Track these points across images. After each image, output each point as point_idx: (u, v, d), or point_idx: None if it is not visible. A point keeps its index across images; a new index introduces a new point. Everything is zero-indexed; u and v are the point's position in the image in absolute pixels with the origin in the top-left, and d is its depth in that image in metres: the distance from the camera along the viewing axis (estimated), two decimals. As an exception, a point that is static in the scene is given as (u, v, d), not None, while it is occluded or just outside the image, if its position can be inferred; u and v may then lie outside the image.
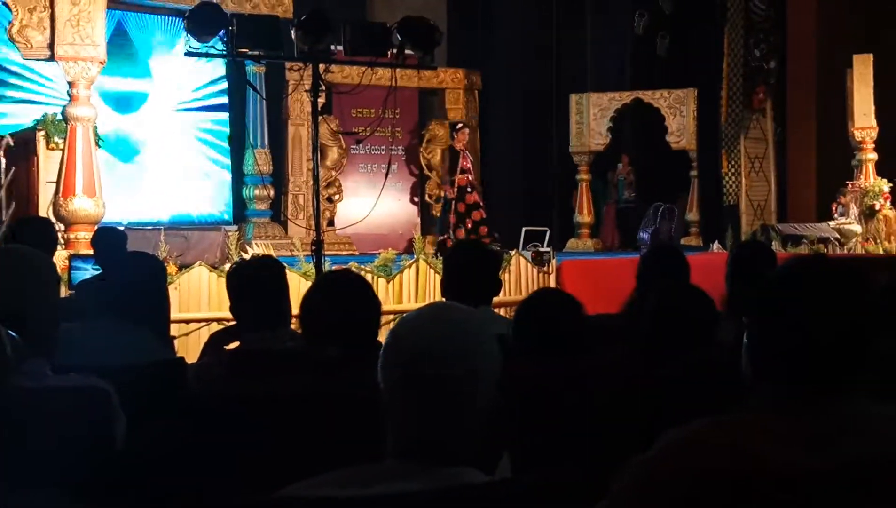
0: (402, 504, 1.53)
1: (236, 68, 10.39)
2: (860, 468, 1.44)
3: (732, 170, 13.92)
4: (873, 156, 13.14)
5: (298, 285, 6.21)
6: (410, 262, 8.83)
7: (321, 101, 7.15)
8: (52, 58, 8.90)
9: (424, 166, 13.86)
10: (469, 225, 12.21)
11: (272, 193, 12.37)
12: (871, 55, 13.07)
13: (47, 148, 9.03)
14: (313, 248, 6.81)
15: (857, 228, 12.76)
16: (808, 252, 11.55)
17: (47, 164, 9.02)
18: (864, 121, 13.11)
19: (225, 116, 12.26)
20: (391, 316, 6.96)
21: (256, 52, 6.69)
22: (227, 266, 6.75)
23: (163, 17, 11.57)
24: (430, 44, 6.79)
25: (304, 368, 2.72)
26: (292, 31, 6.49)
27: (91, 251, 6.69)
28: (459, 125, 12.94)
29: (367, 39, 6.72)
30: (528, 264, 9.74)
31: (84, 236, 8.40)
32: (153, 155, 11.65)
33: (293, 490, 1.59)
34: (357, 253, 11.71)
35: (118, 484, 2.27)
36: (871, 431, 1.49)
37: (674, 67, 14.04)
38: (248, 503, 1.63)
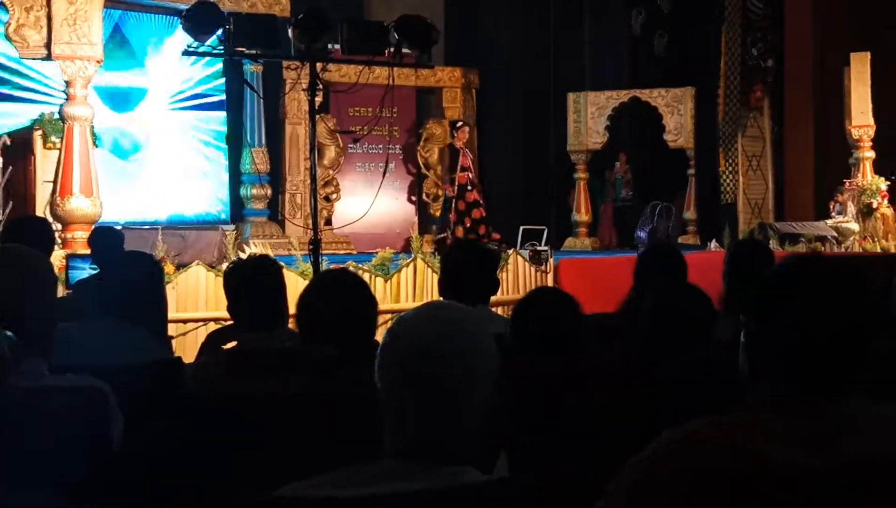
0: (401, 503, 1.53)
1: (234, 67, 10.36)
2: (860, 468, 1.44)
3: (730, 168, 13.92)
4: (870, 154, 13.15)
5: (296, 285, 6.21)
6: (408, 261, 8.83)
7: (318, 100, 7.13)
8: (48, 57, 8.89)
9: (422, 165, 13.86)
10: (468, 223, 12.21)
11: (269, 192, 12.37)
12: (868, 53, 13.08)
13: (44, 147, 9.02)
14: (311, 247, 6.80)
15: (855, 226, 12.77)
16: (805, 251, 11.56)
17: (44, 163, 9.00)
18: (862, 119, 13.12)
19: (222, 115, 12.25)
20: (389, 315, 6.96)
21: (254, 51, 6.68)
22: (225, 266, 6.74)
23: (160, 15, 11.56)
24: (427, 42, 6.78)
25: (301, 367, 2.72)
26: (289, 30, 6.47)
27: (88, 251, 6.68)
28: (460, 123, 12.95)
29: (364, 38, 6.71)
30: (526, 263, 9.75)
31: (81, 235, 8.39)
32: (150, 154, 11.65)
33: (291, 490, 1.59)
34: (355, 252, 11.71)
35: (115, 484, 2.27)
36: (870, 431, 1.49)
37: (671, 66, 14.05)
38: (247, 503, 1.63)
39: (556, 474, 1.66)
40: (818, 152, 14.04)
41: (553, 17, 14.64)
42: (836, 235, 12.70)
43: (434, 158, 13.79)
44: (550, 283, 9.70)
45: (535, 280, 9.64)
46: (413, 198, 13.91)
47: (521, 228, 12.29)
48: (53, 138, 8.92)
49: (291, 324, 3.22)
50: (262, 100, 11.80)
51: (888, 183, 12.94)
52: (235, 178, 12.31)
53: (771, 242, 11.52)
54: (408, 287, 8.69)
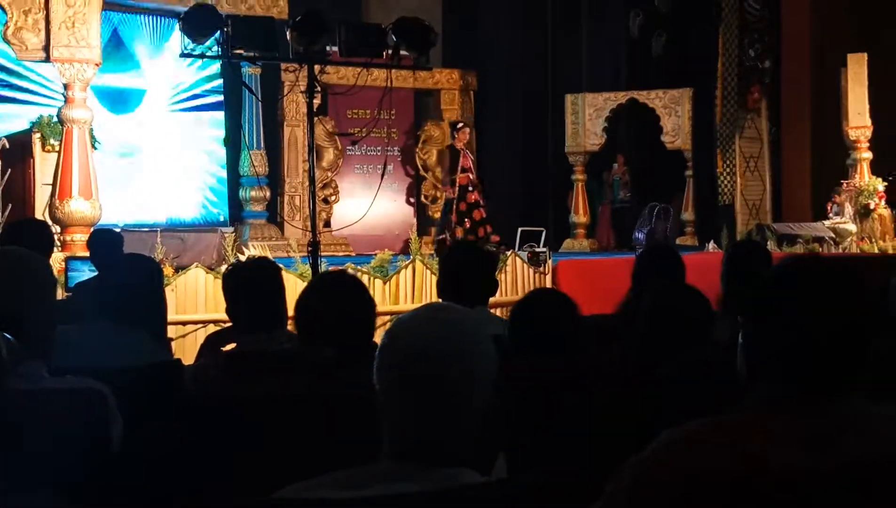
0: (400, 505, 1.53)
1: (232, 70, 10.37)
2: (859, 468, 1.44)
3: (727, 170, 13.93)
4: (868, 155, 13.14)
5: (295, 287, 6.21)
6: (407, 263, 8.83)
7: (317, 102, 7.15)
8: (47, 60, 8.89)
9: (420, 167, 13.86)
10: (468, 224, 12.22)
11: (268, 194, 12.37)
12: (865, 54, 13.08)
13: (43, 150, 9.03)
14: (310, 249, 6.81)
15: (852, 227, 12.76)
16: (803, 251, 11.57)
17: (43, 166, 9.01)
18: (859, 120, 13.12)
19: (221, 117, 12.25)
20: (387, 317, 6.96)
21: (252, 54, 6.69)
22: (224, 268, 6.74)
23: (158, 18, 11.56)
24: (425, 45, 6.79)
25: (299, 369, 2.72)
26: (287, 33, 6.48)
27: (87, 253, 6.68)
28: (460, 124, 12.95)
29: (362, 40, 6.72)
30: (525, 265, 9.75)
31: (80, 237, 8.39)
32: (149, 157, 11.65)
33: (290, 492, 1.59)
34: (353, 254, 11.70)
35: (115, 486, 2.28)
36: (870, 431, 1.49)
37: (669, 68, 14.04)
38: (246, 504, 1.63)
39: (555, 475, 1.66)
40: (815, 153, 14.04)
41: (551, 19, 14.65)
42: (833, 236, 12.69)
43: (432, 160, 13.80)
44: (549, 284, 9.71)
45: (534, 282, 9.65)
46: (412, 200, 13.91)
47: (520, 229, 12.29)
48: (52, 141, 8.93)
49: (290, 326, 3.22)
50: (260, 102, 11.80)
51: (885, 184, 12.94)
52: (234, 180, 12.30)
53: (769, 243, 11.51)
54: (406, 289, 8.70)
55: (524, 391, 2.62)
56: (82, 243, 8.05)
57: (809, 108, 14.02)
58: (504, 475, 1.76)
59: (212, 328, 6.77)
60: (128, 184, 11.27)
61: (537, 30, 14.67)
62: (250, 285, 3.33)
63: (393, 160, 13.43)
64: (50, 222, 8.04)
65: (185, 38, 6.41)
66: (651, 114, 13.71)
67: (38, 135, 9.04)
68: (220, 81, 12.14)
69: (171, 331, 6.71)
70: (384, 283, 8.56)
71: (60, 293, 6.03)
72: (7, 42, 8.91)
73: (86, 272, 6.46)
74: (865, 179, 13.01)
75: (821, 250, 12.09)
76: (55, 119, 8.99)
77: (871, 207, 12.80)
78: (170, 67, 11.60)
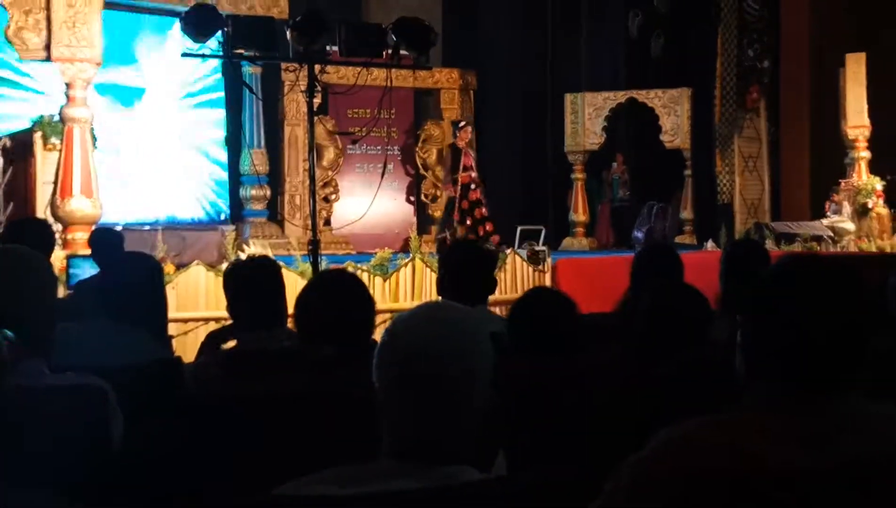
0: (399, 502, 1.53)
1: (232, 69, 10.37)
2: (858, 466, 1.44)
3: (726, 169, 13.94)
4: (866, 154, 13.15)
5: (295, 285, 6.21)
6: (406, 261, 8.84)
7: (317, 101, 7.15)
8: (48, 59, 8.89)
9: (420, 166, 13.86)
10: (469, 222, 12.23)
11: (269, 193, 12.37)
12: (864, 54, 13.09)
13: (44, 149, 9.01)
14: (310, 247, 6.81)
15: (851, 226, 12.77)
16: (801, 250, 11.57)
17: (44, 165, 9.00)
18: (857, 119, 13.13)
19: (222, 116, 12.26)
20: (387, 315, 6.96)
21: (252, 53, 6.69)
22: (224, 266, 6.75)
23: (159, 17, 11.56)
24: (425, 44, 6.79)
25: (299, 367, 2.72)
26: (288, 32, 6.48)
27: (88, 252, 6.69)
28: (462, 123, 12.95)
29: (362, 40, 6.72)
30: (524, 263, 9.76)
31: (81, 236, 8.39)
32: (150, 155, 11.64)
33: (289, 488, 1.59)
34: (354, 252, 11.70)
35: (115, 484, 2.28)
36: (868, 430, 1.49)
37: (668, 67, 14.05)
38: (246, 502, 1.63)
39: (554, 473, 1.67)
40: (814, 153, 14.05)
41: (551, 19, 14.65)
42: (831, 234, 12.70)
43: (432, 159, 13.80)
44: (548, 283, 9.70)
45: (533, 280, 9.65)
46: (412, 198, 13.92)
47: (519, 228, 12.29)
48: (53, 140, 8.92)
49: (290, 324, 3.23)
50: (260, 102, 11.81)
51: (884, 183, 12.95)
52: (235, 179, 12.31)
53: (767, 242, 11.50)
54: (406, 287, 8.70)
55: (523, 389, 2.63)
56: (83, 241, 8.04)
57: (808, 107, 14.02)
58: (503, 473, 1.76)
59: (212, 326, 6.77)
60: (129, 183, 11.26)
61: (537, 30, 14.67)
62: (251, 284, 3.34)
63: (393, 159, 13.43)
64: (51, 221, 8.04)
65: (186, 37, 6.41)
66: (650, 113, 13.72)
67: (40, 134, 9.02)
68: (220, 79, 12.13)
69: (172, 329, 6.70)
70: (384, 281, 8.56)
71: (61, 292, 6.03)
72: (8, 41, 8.91)
73: (87, 271, 6.47)
74: (864, 178, 13.02)
75: (819, 248, 12.09)
76: (56, 118, 8.99)
77: (870, 206, 12.82)
78: (171, 65, 11.59)
